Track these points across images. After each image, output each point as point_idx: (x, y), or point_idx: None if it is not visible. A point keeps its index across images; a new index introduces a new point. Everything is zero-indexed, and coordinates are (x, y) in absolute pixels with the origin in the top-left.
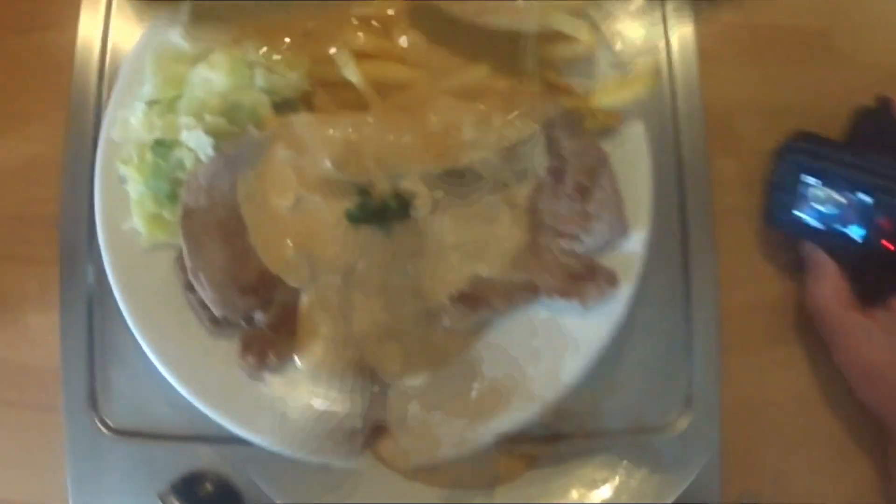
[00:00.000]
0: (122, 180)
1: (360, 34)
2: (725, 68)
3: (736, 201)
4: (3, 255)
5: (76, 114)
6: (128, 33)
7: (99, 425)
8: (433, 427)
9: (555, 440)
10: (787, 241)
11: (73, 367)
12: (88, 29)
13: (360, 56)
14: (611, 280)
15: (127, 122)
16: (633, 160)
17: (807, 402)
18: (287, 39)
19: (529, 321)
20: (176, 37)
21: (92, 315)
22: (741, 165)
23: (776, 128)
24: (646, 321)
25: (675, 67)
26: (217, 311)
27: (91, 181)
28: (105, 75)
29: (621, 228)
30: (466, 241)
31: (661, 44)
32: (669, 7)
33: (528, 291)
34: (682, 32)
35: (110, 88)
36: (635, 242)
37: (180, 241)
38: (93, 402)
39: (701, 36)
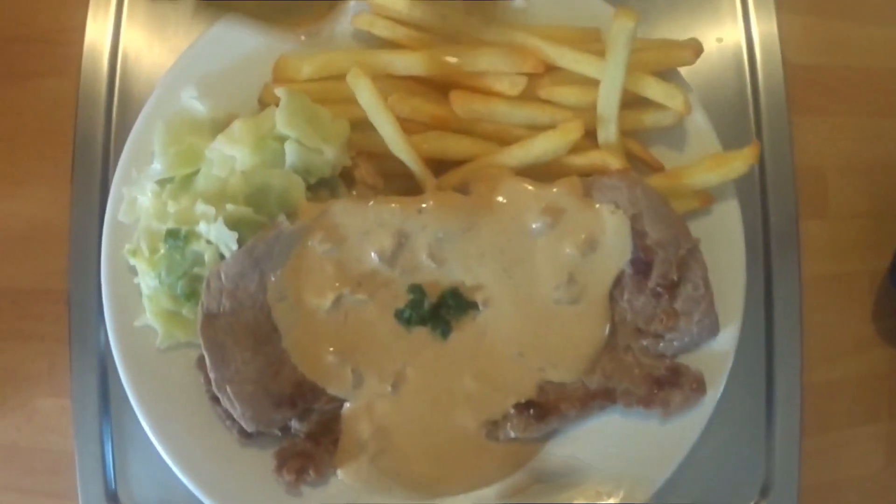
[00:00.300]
0: (131, 271)
1: (412, 101)
2: (817, 120)
3: (825, 268)
4: (10, 331)
5: (81, 174)
6: (139, 75)
7: None
8: None
9: None
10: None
11: (87, 455)
12: (92, 73)
13: (410, 124)
14: (698, 386)
15: (135, 203)
16: (725, 247)
17: (886, 480)
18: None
19: (602, 430)
20: (190, 99)
21: (107, 398)
22: (832, 229)
23: (875, 187)
24: (723, 404)
25: (762, 119)
26: (248, 427)
27: (100, 257)
28: (113, 127)
29: (712, 327)
30: (536, 342)
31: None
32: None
33: (605, 399)
34: (770, 81)
35: (118, 140)
36: (725, 341)
37: (202, 349)
38: (111, 494)
39: (790, 82)
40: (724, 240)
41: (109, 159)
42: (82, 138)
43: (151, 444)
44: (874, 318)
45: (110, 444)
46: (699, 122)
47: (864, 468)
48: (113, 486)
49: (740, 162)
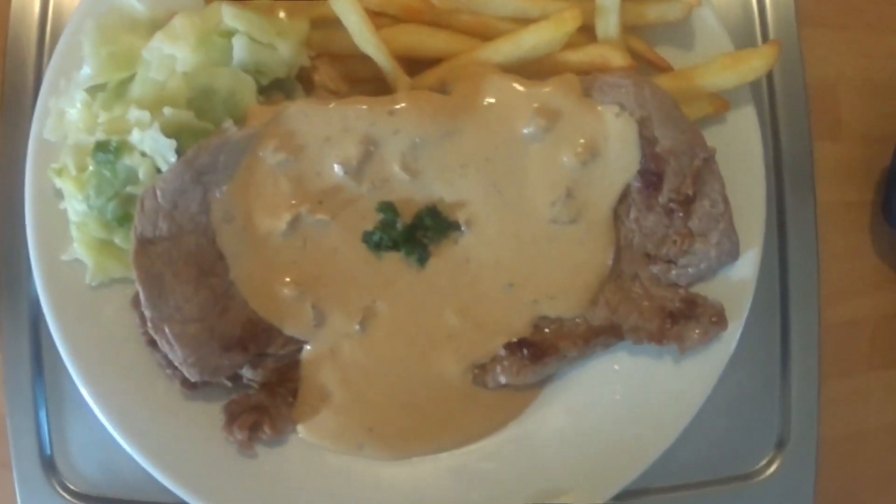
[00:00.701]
0: (59, 196)
1: None
2: (829, 34)
3: (841, 195)
4: None
5: (10, 94)
6: None
7: (57, 488)
8: None
9: (633, 496)
10: None
11: (20, 420)
12: None
13: (380, 18)
14: (718, 319)
15: (63, 117)
16: (741, 159)
17: None
18: None
19: (605, 372)
20: None
21: (40, 352)
22: (848, 152)
23: (891, 109)
24: (735, 351)
25: (770, 33)
26: (192, 375)
27: None
28: (46, 40)
29: (731, 250)
30: (528, 271)
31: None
32: None
33: (610, 335)
34: None
35: (52, 54)
36: (746, 266)
37: (136, 282)
38: (48, 461)
39: None
40: (740, 151)
41: (42, 76)
42: (12, 52)
43: (93, 412)
44: (893, 251)
45: (44, 403)
46: (707, 18)
47: (886, 416)
48: (49, 451)
49: (760, 61)
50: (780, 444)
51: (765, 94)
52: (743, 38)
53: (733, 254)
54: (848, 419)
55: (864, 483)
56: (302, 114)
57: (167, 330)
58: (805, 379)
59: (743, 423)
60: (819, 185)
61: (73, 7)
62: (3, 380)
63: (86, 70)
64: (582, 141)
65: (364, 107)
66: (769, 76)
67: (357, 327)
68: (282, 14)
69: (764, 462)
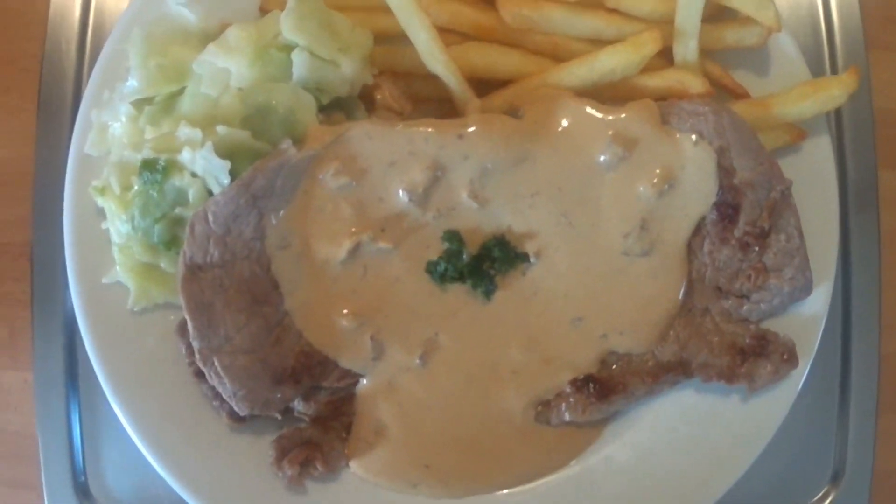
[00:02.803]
0: (101, 215)
1: (450, 4)
2: (894, 58)
3: None
4: None
5: (49, 106)
6: None
7: None
8: None
9: None
10: None
11: (52, 438)
12: None
13: (447, 35)
14: (790, 356)
15: (105, 131)
16: (816, 191)
17: None
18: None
19: (671, 409)
20: (177, 6)
21: (75, 372)
22: None
23: None
24: None
25: (838, 57)
26: (241, 409)
27: None
28: (87, 50)
29: (805, 286)
30: (598, 305)
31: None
32: None
33: (679, 373)
34: (846, 16)
35: (93, 65)
36: (816, 301)
37: (184, 311)
38: (81, 486)
39: (866, 16)
40: (814, 183)
41: (82, 87)
42: (51, 64)
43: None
44: None
45: (78, 425)
46: (785, 44)
47: None
48: (82, 476)
49: (839, 89)
50: (836, 478)
51: (832, 120)
52: (810, 62)
53: (807, 290)
54: None
55: None
56: (366, 136)
57: (216, 362)
58: (863, 411)
59: (799, 456)
60: (884, 212)
61: (115, 12)
62: (35, 399)
63: (132, 82)
64: (658, 171)
65: (432, 130)
66: None
67: (417, 361)
68: (344, 27)
69: (819, 496)
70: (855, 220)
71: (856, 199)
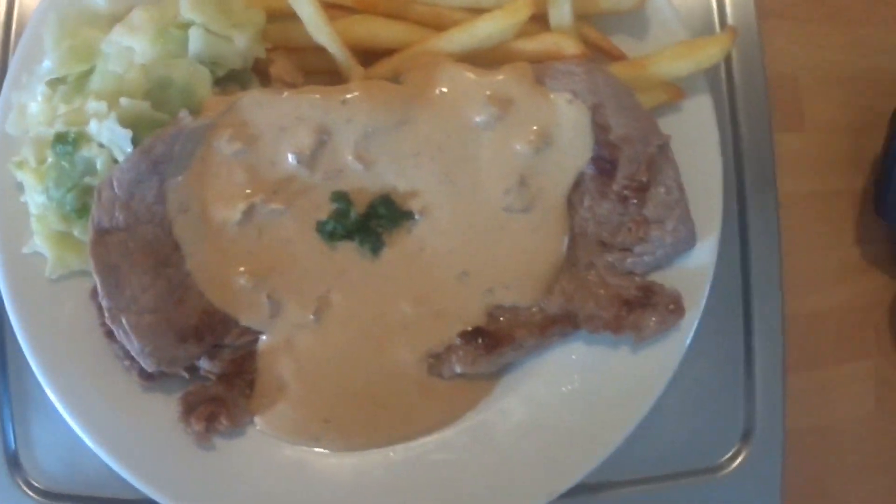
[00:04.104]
0: (21, 190)
1: None
2: (789, 25)
3: (803, 186)
4: None
5: None
6: None
7: (21, 486)
8: None
9: (596, 490)
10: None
11: None
12: None
13: (335, 10)
14: (676, 307)
15: (24, 111)
16: (698, 147)
17: (876, 422)
18: None
19: (563, 362)
20: None
21: (4, 354)
22: (808, 143)
23: (853, 99)
24: (697, 342)
25: (727, 21)
26: (148, 366)
27: None
28: (11, 42)
29: (688, 237)
30: (483, 260)
31: None
32: None
33: (566, 325)
34: None
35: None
36: (703, 254)
37: (93, 273)
38: (12, 458)
39: None
40: (696, 139)
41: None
42: None
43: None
44: (859, 241)
45: (8, 400)
46: (662, 7)
47: (853, 409)
48: (13, 447)
49: (715, 48)
50: (746, 437)
51: (724, 85)
52: (701, 29)
53: (690, 241)
54: (816, 411)
55: (832, 475)
56: (256, 104)
57: (124, 320)
58: (769, 371)
59: (707, 416)
60: (782, 176)
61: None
62: None
63: (47, 63)
64: (534, 128)
65: (317, 96)
66: (728, 67)
67: (312, 317)
68: (237, 6)
69: (729, 454)
70: (751, 184)
71: (752, 163)
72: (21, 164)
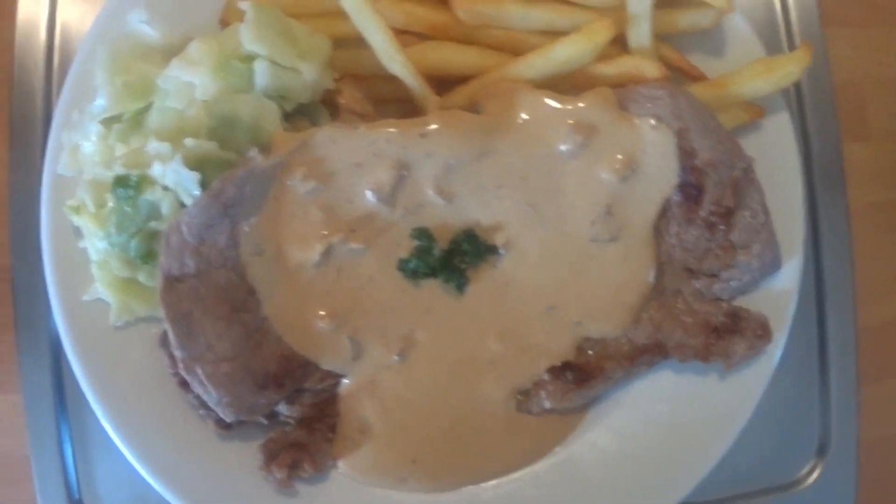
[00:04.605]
0: (78, 234)
1: (405, 5)
2: (852, 33)
3: (870, 196)
4: None
5: (20, 129)
6: (81, 15)
7: None
8: None
9: None
10: None
11: (45, 461)
12: (30, 13)
13: (404, 36)
14: (763, 332)
15: (77, 151)
16: (779, 167)
17: None
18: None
19: (650, 391)
20: (139, 23)
21: (63, 391)
22: (875, 151)
23: None
24: None
25: (794, 33)
26: (227, 416)
27: None
28: (54, 69)
29: (774, 260)
30: (570, 292)
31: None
32: None
33: (655, 354)
34: None
35: (62, 83)
36: (787, 276)
37: (164, 322)
38: (74, 500)
39: None
40: (776, 159)
41: (52, 109)
42: (20, 87)
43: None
44: None
45: (70, 444)
46: (738, 24)
47: None
48: (77, 494)
49: (794, 66)
50: (821, 452)
51: (792, 97)
52: (767, 40)
53: (776, 265)
54: (888, 421)
55: None
56: (330, 140)
57: (199, 370)
58: (844, 383)
59: (783, 432)
60: (850, 186)
61: (79, 32)
62: (26, 420)
63: (100, 101)
64: (619, 156)
65: (394, 130)
66: None
67: (396, 358)
68: (301, 34)
69: (805, 470)
70: (822, 196)
71: (822, 174)
72: (79, 209)
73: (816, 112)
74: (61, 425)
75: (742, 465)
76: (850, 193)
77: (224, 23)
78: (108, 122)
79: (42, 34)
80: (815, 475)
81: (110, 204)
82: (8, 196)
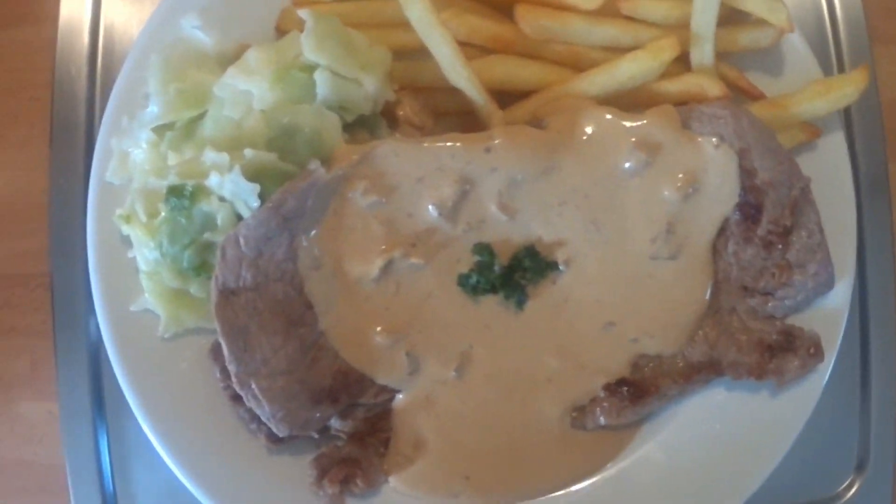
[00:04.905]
0: (125, 242)
1: (469, 18)
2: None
3: None
4: None
5: (61, 134)
6: (127, 9)
7: None
8: None
9: None
10: None
11: (81, 468)
12: (73, 15)
13: (466, 49)
14: (816, 350)
15: (126, 158)
16: (832, 184)
17: None
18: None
19: (702, 407)
20: (191, 29)
21: (101, 400)
22: None
23: None
24: None
25: (843, 52)
26: (281, 431)
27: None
28: (98, 74)
29: (828, 280)
30: (628, 309)
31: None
32: None
33: (710, 372)
34: (848, 5)
35: (105, 90)
36: (838, 295)
37: (218, 335)
38: None
39: (868, 10)
40: (831, 178)
41: (95, 113)
42: (62, 92)
43: (157, 452)
44: None
45: (107, 454)
46: (797, 44)
47: None
48: (113, 502)
49: (851, 87)
50: (860, 467)
51: (841, 116)
52: (817, 59)
53: (829, 284)
54: None
55: None
56: (393, 153)
57: (254, 385)
58: (885, 401)
59: (823, 447)
60: (895, 205)
61: (124, 36)
62: (61, 428)
63: (152, 108)
64: (681, 174)
65: (458, 144)
66: None
67: (453, 374)
68: (362, 44)
69: (844, 485)
70: (867, 214)
71: (867, 192)
72: (129, 218)
73: (864, 131)
74: (99, 433)
75: (782, 479)
76: (895, 212)
77: (280, 30)
78: (161, 129)
79: (85, 37)
80: (853, 490)
81: (163, 214)
82: (48, 202)
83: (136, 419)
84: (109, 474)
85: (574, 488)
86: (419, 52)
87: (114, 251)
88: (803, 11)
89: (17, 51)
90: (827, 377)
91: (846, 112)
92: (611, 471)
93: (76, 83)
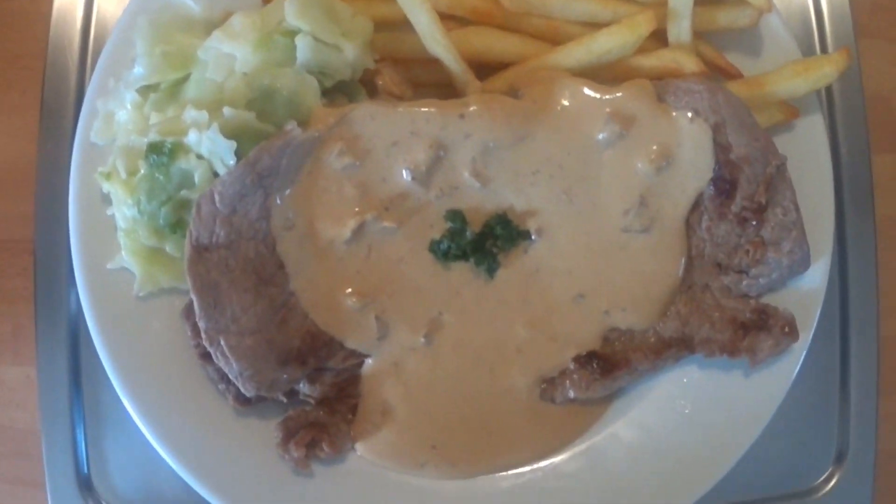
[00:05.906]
0: (106, 201)
1: None
2: (884, 46)
3: None
4: None
5: (51, 101)
6: None
7: None
8: None
9: None
10: None
11: (56, 438)
12: None
13: (447, 21)
14: (790, 329)
15: (111, 119)
16: (810, 167)
17: None
18: None
19: (674, 385)
20: None
21: (79, 367)
22: None
23: None
24: None
25: (828, 44)
26: (247, 390)
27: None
28: (90, 49)
29: (803, 259)
30: (600, 282)
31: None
32: None
33: (681, 348)
34: (834, 2)
35: (96, 58)
36: (815, 275)
37: (190, 291)
38: (84, 479)
39: (855, 5)
40: (808, 159)
41: (85, 82)
42: (54, 61)
43: (130, 419)
44: None
45: (82, 420)
46: (775, 25)
47: None
48: (86, 471)
49: (830, 67)
50: (839, 460)
51: (824, 105)
52: (801, 51)
53: (805, 263)
54: None
55: None
56: (369, 116)
57: (223, 342)
58: (864, 393)
59: (802, 439)
60: (878, 197)
61: (118, 9)
62: (38, 396)
63: (138, 70)
64: (655, 147)
65: (434, 110)
66: (828, 88)
67: (422, 340)
68: (345, 14)
69: (823, 478)
70: (850, 205)
71: (850, 184)
72: (109, 175)
73: (847, 122)
74: (74, 401)
75: (760, 471)
76: (878, 205)
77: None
78: (145, 91)
79: (79, 10)
80: (832, 483)
81: (142, 171)
82: (35, 168)
83: (112, 390)
84: (83, 443)
85: (542, 463)
86: (400, 25)
87: (94, 209)
88: (789, 5)
89: (13, 21)
90: (802, 359)
91: (830, 105)
92: (580, 446)
93: (68, 54)
